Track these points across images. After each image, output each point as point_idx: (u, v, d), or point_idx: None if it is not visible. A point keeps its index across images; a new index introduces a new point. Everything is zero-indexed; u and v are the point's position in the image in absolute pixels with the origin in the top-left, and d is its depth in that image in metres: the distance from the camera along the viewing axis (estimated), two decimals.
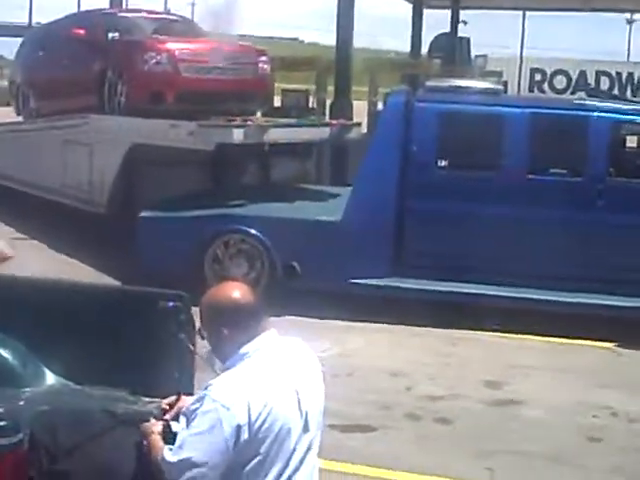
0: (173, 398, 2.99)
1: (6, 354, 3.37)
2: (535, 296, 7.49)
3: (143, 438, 2.83)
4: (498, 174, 7.86)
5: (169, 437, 2.77)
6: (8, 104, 13.27)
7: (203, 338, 2.85)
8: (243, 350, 2.75)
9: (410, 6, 19.95)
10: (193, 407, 2.70)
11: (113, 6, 15.12)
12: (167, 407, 2.96)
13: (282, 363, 2.78)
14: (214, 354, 2.83)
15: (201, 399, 2.68)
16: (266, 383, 2.70)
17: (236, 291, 2.80)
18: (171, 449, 2.69)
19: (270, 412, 2.65)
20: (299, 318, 6.72)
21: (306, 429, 2.75)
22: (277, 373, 2.75)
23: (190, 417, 2.68)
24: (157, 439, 2.79)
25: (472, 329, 7.25)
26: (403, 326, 7.32)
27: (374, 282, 7.71)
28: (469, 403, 5.87)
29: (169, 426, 2.83)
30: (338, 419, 4.96)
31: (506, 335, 7.21)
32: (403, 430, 5.40)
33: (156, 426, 2.84)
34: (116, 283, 7.06)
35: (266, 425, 2.65)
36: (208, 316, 2.81)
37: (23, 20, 38.58)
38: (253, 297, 2.81)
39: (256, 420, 2.63)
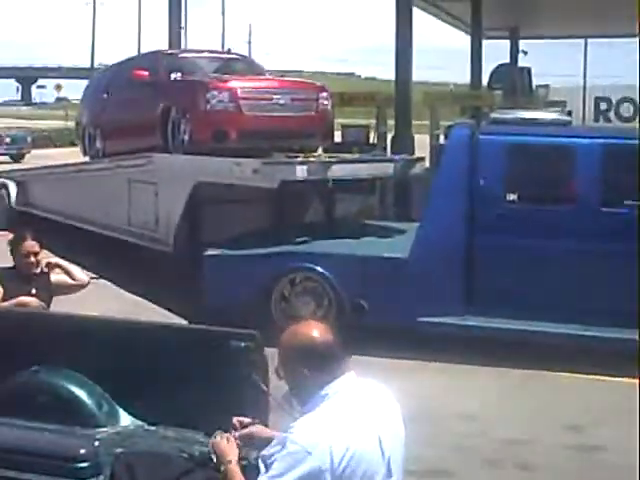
0: (247, 420, 2.94)
1: (82, 394, 3.39)
2: (609, 335, 7.22)
3: (213, 454, 2.78)
4: (570, 207, 7.66)
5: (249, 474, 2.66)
6: (72, 144, 13.54)
7: (281, 378, 2.77)
8: (324, 392, 2.67)
9: (468, 38, 19.90)
10: (273, 450, 2.62)
11: (173, 47, 15.39)
12: (237, 424, 2.91)
13: (363, 406, 2.70)
14: (292, 395, 2.76)
15: (282, 442, 2.60)
16: (348, 426, 2.62)
17: (317, 331, 2.74)
18: None
19: (353, 456, 2.57)
20: (368, 357, 6.56)
21: (389, 474, 2.67)
22: (358, 416, 2.66)
23: (270, 461, 2.60)
24: (237, 472, 2.71)
25: (545, 369, 6.99)
26: (474, 366, 7.13)
27: (443, 320, 7.54)
28: (549, 448, 5.63)
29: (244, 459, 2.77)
30: (415, 464, 4.77)
31: (580, 375, 6.94)
32: (482, 476, 5.21)
33: (231, 450, 2.77)
34: (183, 322, 7.02)
35: (349, 470, 2.57)
36: (288, 356, 2.73)
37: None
38: (333, 337, 2.74)
39: (339, 465, 2.55)
